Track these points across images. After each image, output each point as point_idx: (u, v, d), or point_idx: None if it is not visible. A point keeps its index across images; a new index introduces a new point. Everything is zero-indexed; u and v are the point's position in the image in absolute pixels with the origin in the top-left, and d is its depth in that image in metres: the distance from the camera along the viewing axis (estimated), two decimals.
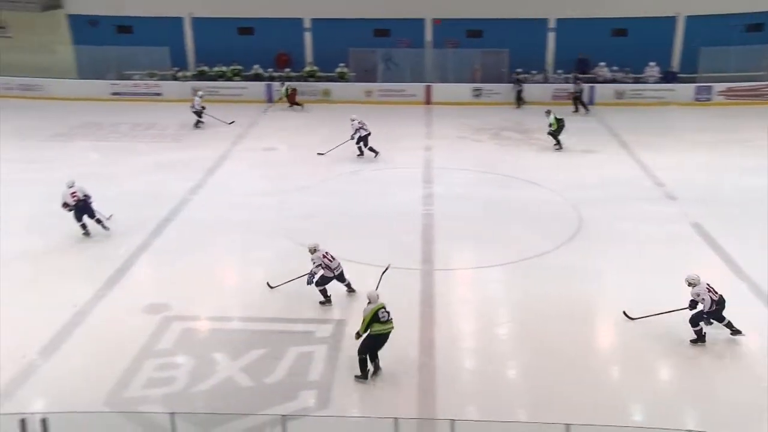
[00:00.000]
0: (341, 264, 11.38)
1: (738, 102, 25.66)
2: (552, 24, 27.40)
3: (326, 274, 11.23)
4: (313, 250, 11.21)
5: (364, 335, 9.30)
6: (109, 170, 18.42)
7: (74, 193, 13.60)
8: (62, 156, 19.76)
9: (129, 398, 8.89)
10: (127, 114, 24.64)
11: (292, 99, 25.73)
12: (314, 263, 11.16)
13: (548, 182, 17.49)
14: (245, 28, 28.13)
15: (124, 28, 28.23)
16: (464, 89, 26.70)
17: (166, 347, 10.13)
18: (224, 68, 27.60)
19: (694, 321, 10.10)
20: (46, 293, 11.68)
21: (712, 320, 10.11)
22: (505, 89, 26.47)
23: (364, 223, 15.03)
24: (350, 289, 11.60)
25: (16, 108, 25.19)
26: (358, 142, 19.30)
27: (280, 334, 10.58)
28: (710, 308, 9.96)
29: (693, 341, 10.14)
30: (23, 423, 6.24)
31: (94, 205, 13.85)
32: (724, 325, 10.11)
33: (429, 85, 26.75)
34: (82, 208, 13.65)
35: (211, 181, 17.78)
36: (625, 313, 10.83)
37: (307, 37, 28.38)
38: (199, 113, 22.90)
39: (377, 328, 9.25)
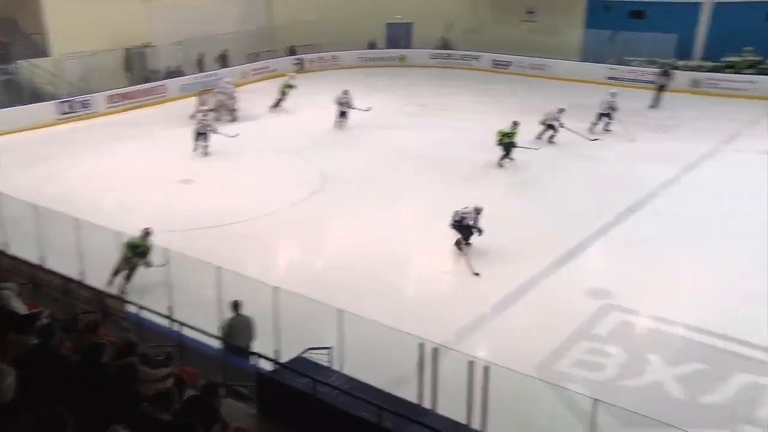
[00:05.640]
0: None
1: None
2: None
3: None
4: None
5: None
6: (595, 153, 18.91)
7: None
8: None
9: (557, 372, 9.28)
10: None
11: None
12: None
13: None
14: None
15: (637, 13, 28.27)
16: None
17: (601, 334, 10.20)
18: (736, 59, 25.44)
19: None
20: (509, 260, 12.65)
21: None
22: None
23: None
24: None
25: (526, 85, 27.90)
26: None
27: (726, 354, 9.66)
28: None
29: None
30: (471, 365, 7.07)
31: None
32: None
33: None
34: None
35: (687, 179, 16.85)
36: None
37: None
38: None
39: None
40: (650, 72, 25.90)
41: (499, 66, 30.63)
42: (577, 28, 29.86)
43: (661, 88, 23.71)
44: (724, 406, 8.66)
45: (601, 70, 27.88)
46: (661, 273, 12.11)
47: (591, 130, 20.27)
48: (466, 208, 12.71)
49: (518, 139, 17.51)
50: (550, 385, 8.58)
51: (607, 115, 20.46)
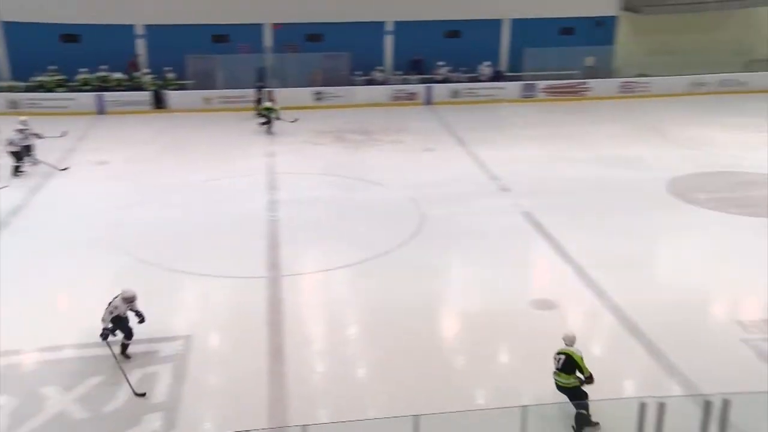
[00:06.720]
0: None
1: (558, 98, 27.81)
2: (389, 27, 28.24)
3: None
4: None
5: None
6: None
7: None
8: None
9: None
10: None
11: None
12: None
13: (391, 182, 17.92)
14: (70, 35, 26.44)
15: None
16: (305, 93, 26.76)
17: None
18: (46, 78, 25.72)
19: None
20: None
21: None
22: (347, 92, 26.92)
23: (208, 233, 14.65)
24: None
25: None
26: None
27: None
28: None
29: None
30: None
31: None
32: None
33: (270, 90, 26.48)
34: None
35: (38, 200, 16.54)
36: None
37: (140, 44, 27.23)
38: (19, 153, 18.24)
39: None
40: None
41: None
42: None
43: None
44: (126, 406, 8.89)
45: None
46: (39, 301, 11.61)
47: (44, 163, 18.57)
48: (115, 297, 9.79)
49: None
50: None
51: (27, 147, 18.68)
